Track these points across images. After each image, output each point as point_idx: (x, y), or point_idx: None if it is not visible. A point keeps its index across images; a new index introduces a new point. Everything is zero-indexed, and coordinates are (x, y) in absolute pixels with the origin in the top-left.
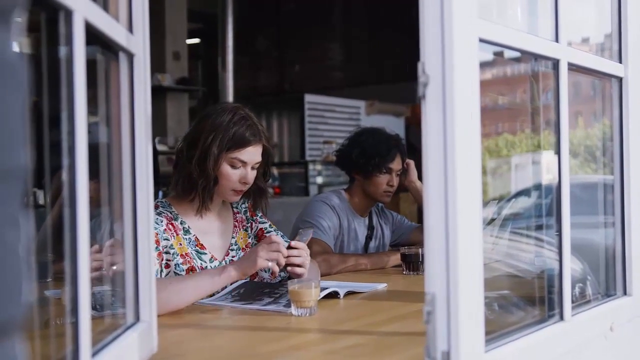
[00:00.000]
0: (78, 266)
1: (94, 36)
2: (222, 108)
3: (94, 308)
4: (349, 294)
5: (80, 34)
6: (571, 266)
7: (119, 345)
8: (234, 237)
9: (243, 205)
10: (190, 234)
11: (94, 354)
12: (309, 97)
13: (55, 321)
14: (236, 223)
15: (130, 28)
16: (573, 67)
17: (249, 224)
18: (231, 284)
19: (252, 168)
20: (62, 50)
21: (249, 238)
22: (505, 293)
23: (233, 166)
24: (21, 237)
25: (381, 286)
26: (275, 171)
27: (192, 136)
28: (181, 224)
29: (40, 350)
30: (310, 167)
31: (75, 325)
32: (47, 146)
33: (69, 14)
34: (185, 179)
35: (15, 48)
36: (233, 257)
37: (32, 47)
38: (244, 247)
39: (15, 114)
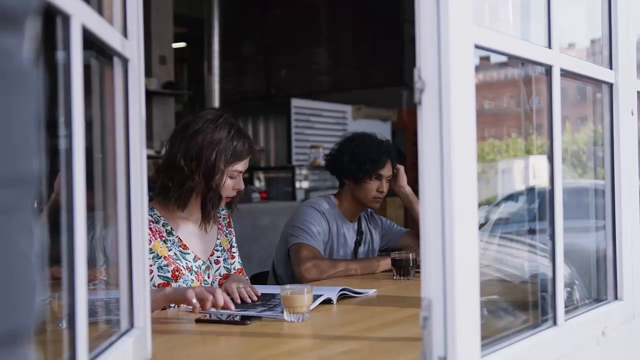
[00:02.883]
0: (75, 273)
1: (89, 41)
2: (212, 121)
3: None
4: (343, 297)
5: (78, 39)
6: None
7: (114, 352)
8: (218, 239)
9: (223, 212)
10: (173, 235)
11: None
12: (295, 102)
13: (46, 327)
14: (219, 226)
15: (125, 33)
16: (565, 73)
17: (228, 231)
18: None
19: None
20: (59, 55)
21: (228, 243)
22: (499, 298)
23: (231, 177)
24: (34, 245)
25: (371, 292)
26: (261, 176)
27: (190, 151)
28: (163, 226)
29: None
30: (297, 171)
31: (72, 332)
32: (43, 151)
33: (66, 18)
34: (187, 193)
35: (28, 55)
36: (218, 257)
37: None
38: (226, 248)
39: (28, 121)
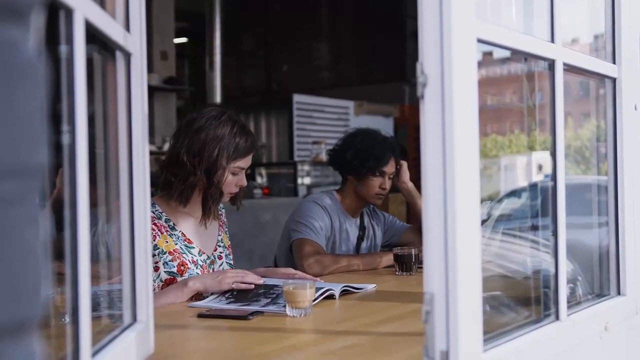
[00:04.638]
0: (78, 267)
1: (91, 35)
2: (215, 118)
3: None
4: (344, 293)
5: (81, 33)
6: None
7: (117, 346)
8: (219, 235)
9: (222, 210)
10: (176, 230)
11: (94, 354)
12: (297, 97)
13: (49, 322)
14: (221, 223)
15: (127, 27)
16: (568, 68)
17: (227, 229)
18: None
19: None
20: (62, 49)
21: (228, 240)
22: (502, 294)
23: (233, 174)
24: (39, 236)
25: (371, 287)
26: (263, 172)
27: (193, 147)
28: (166, 222)
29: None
30: (299, 167)
31: (76, 326)
32: (48, 144)
33: (69, 12)
34: (189, 189)
35: (33, 47)
36: (220, 252)
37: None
38: (227, 245)
39: (34, 113)
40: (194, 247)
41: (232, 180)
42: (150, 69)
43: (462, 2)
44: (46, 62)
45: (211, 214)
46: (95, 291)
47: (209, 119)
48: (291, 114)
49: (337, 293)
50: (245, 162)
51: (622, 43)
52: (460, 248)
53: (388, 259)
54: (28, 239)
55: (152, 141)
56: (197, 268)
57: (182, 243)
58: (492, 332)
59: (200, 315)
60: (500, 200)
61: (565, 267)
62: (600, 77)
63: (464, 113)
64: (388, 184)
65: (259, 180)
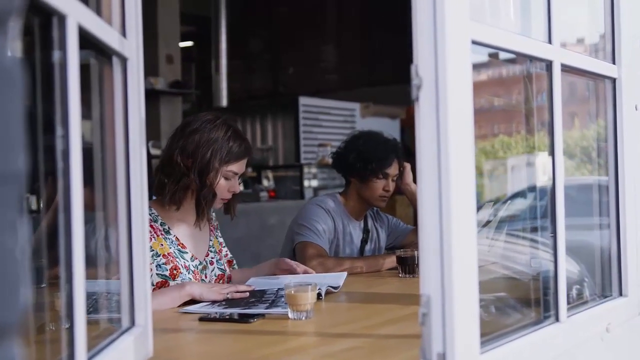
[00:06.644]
0: (73, 271)
1: (86, 40)
2: (210, 122)
3: (88, 312)
4: (327, 293)
5: (74, 39)
6: (568, 268)
7: (114, 350)
8: (211, 240)
9: (213, 213)
10: (171, 234)
11: (90, 358)
12: (303, 100)
13: (50, 326)
14: (212, 228)
15: (123, 32)
16: (566, 68)
17: (218, 233)
18: None
19: (239, 177)
20: (56, 55)
21: (219, 245)
22: (501, 295)
23: (226, 178)
24: (19, 242)
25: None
26: (270, 175)
27: (186, 148)
28: (161, 225)
29: (35, 355)
30: (306, 170)
31: (71, 330)
32: (40, 151)
33: (62, 18)
34: (182, 190)
35: (12, 53)
36: (212, 258)
37: (25, 52)
38: (218, 250)
39: (13, 118)
40: (187, 252)
41: (225, 185)
42: (156, 72)
43: (456, 4)
44: (25, 69)
45: (205, 216)
46: (93, 293)
47: (203, 122)
48: (297, 117)
49: (322, 292)
50: (238, 167)
51: (621, 43)
52: (455, 250)
53: (391, 261)
54: (7, 245)
55: (157, 145)
56: (189, 273)
57: (176, 247)
58: (491, 334)
59: (202, 319)
60: (505, 201)
61: (564, 268)
62: (600, 77)
63: (458, 115)
64: (391, 186)
65: (265, 183)
